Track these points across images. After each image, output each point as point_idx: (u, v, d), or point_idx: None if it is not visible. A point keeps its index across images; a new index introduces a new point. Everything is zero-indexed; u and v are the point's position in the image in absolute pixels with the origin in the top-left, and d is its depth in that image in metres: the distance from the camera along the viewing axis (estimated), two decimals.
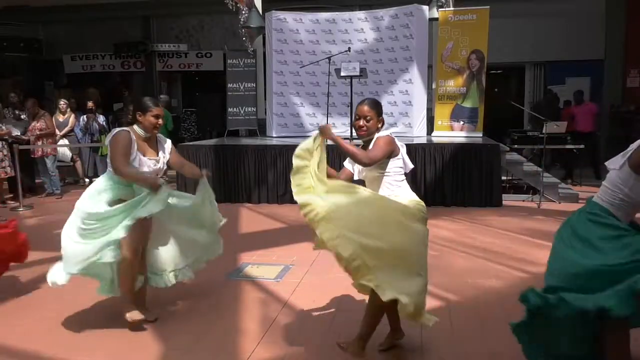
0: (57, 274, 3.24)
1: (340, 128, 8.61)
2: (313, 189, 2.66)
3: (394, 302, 2.79)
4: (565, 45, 10.99)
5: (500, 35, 9.89)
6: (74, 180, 9.77)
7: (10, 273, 4.52)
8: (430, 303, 3.64)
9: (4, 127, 7.65)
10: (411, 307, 2.55)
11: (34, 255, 5.00)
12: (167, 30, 13.31)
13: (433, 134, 8.62)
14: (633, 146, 2.29)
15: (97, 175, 9.22)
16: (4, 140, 7.59)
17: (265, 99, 9.52)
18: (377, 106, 2.88)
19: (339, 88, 8.71)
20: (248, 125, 9.51)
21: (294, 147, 2.71)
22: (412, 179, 6.67)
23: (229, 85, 9.44)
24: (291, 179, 2.75)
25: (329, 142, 2.86)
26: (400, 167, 2.85)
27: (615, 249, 2.27)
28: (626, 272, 2.17)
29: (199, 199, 3.51)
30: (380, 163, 2.78)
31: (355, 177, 3.00)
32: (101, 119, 9.43)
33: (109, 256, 3.11)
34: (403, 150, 2.88)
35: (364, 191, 2.70)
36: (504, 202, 7.12)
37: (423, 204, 2.83)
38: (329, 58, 8.06)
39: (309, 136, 2.84)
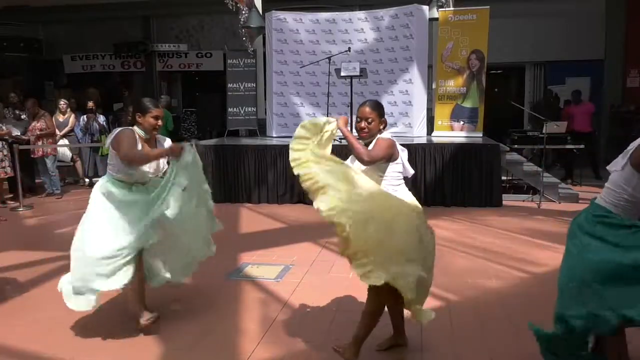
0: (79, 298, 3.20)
1: None
2: (309, 163, 2.65)
3: (397, 304, 2.80)
4: (565, 45, 10.99)
5: (500, 35, 9.89)
6: (74, 180, 9.77)
7: (10, 273, 4.53)
8: (430, 303, 3.63)
9: (4, 127, 7.65)
10: (409, 293, 2.58)
11: (34, 255, 5.03)
12: (167, 30, 13.31)
13: (433, 134, 8.62)
14: (633, 145, 2.29)
15: (97, 175, 9.24)
16: (4, 140, 7.59)
17: (265, 99, 9.52)
18: (378, 107, 2.87)
19: (339, 88, 8.71)
20: (248, 125, 9.51)
21: None
22: (412, 179, 6.65)
23: (229, 85, 9.44)
24: (290, 145, 2.72)
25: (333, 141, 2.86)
26: (399, 172, 2.85)
27: (635, 244, 2.24)
28: None
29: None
30: (379, 165, 2.77)
31: None
32: (101, 119, 9.43)
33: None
34: (404, 155, 2.87)
35: (359, 173, 2.72)
36: (504, 202, 7.12)
37: (419, 206, 2.83)
38: (329, 58, 8.06)
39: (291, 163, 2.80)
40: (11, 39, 13.12)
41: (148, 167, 3.29)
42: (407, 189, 2.89)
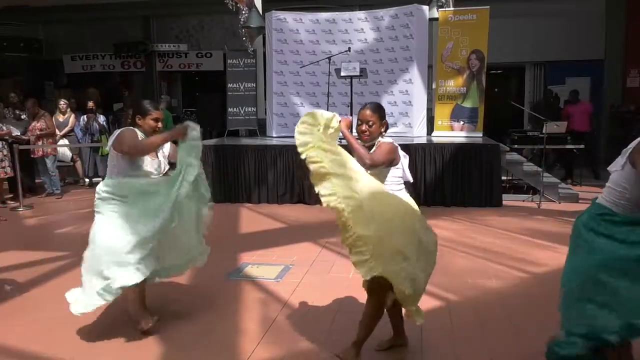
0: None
1: None
2: (318, 149, 2.64)
3: (395, 304, 2.80)
4: (565, 45, 10.99)
5: (500, 35, 9.89)
6: (74, 180, 9.77)
7: (10, 273, 4.53)
8: (430, 303, 3.65)
9: (4, 127, 7.66)
10: (408, 289, 2.58)
11: (34, 255, 5.03)
12: (167, 30, 13.31)
13: (433, 134, 8.62)
14: (632, 144, 2.29)
15: (97, 175, 9.25)
16: (4, 140, 7.59)
17: (265, 99, 9.52)
18: (379, 110, 2.87)
19: (339, 88, 8.71)
20: (248, 125, 9.51)
21: (294, 147, 2.69)
22: (413, 179, 6.67)
23: (229, 85, 9.44)
24: (296, 129, 2.70)
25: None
26: (399, 177, 2.85)
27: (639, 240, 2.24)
28: None
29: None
30: (380, 170, 2.77)
31: None
32: (101, 119, 9.43)
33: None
34: (405, 161, 2.87)
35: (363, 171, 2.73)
36: (504, 202, 7.12)
37: (418, 210, 2.83)
38: (329, 58, 8.06)
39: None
40: (11, 39, 13.12)
41: (150, 167, 3.29)
42: (407, 193, 2.88)
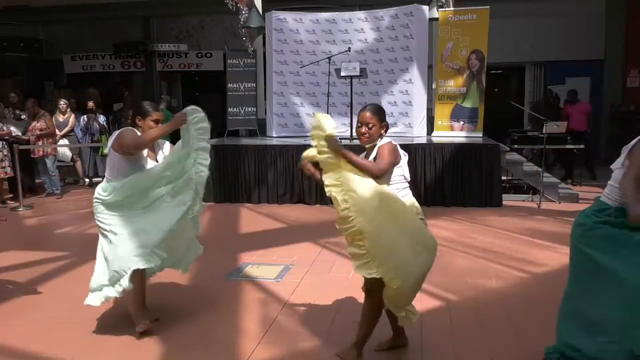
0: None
1: (340, 128, 8.58)
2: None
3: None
4: (565, 45, 10.99)
5: (500, 35, 9.89)
6: (74, 180, 9.77)
7: (10, 273, 4.53)
8: (430, 303, 3.65)
9: (4, 127, 7.66)
10: (392, 291, 2.60)
11: (34, 255, 5.03)
12: (167, 30, 13.31)
13: (433, 134, 8.62)
14: (633, 142, 2.30)
15: (97, 175, 9.25)
16: (4, 140, 7.59)
17: (265, 99, 9.51)
18: (379, 112, 2.86)
19: (339, 88, 8.71)
20: (248, 125, 9.50)
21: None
22: (413, 179, 6.64)
23: (229, 85, 9.44)
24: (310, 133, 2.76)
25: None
26: (402, 176, 2.84)
27: None
28: None
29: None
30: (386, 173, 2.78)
31: None
32: (101, 119, 9.43)
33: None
34: (405, 160, 2.87)
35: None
36: (504, 202, 7.12)
37: (420, 214, 2.83)
38: (329, 58, 8.06)
39: (308, 136, 2.83)
40: (11, 39, 13.11)
41: (149, 166, 3.29)
42: (410, 192, 2.88)
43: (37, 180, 8.82)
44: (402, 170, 2.84)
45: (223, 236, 5.84)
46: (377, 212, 2.59)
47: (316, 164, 2.81)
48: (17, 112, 8.75)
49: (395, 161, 2.78)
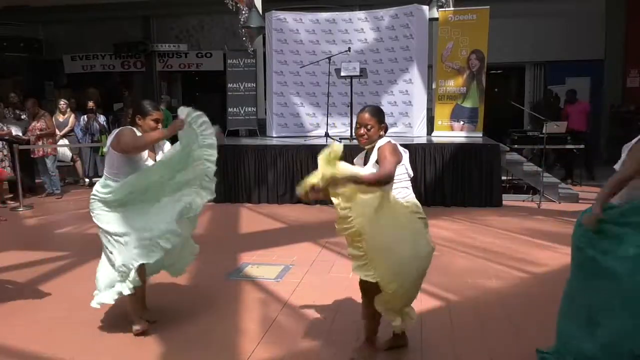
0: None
1: (340, 128, 8.62)
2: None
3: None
4: (565, 45, 10.99)
5: (500, 35, 9.89)
6: (74, 180, 9.78)
7: (10, 273, 4.53)
8: (430, 303, 3.65)
9: (4, 127, 7.65)
10: (388, 295, 2.61)
11: (34, 255, 5.03)
12: (167, 30, 13.31)
13: (433, 134, 8.62)
14: (634, 141, 2.31)
15: (97, 175, 9.24)
16: (4, 140, 7.59)
17: (265, 99, 9.52)
18: (378, 114, 2.85)
19: (339, 88, 8.71)
20: (248, 125, 9.51)
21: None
22: (413, 179, 6.65)
23: (229, 85, 9.44)
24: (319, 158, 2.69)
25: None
26: (405, 173, 2.84)
27: None
28: None
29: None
30: None
31: None
32: (101, 119, 9.43)
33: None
34: (406, 157, 2.86)
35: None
36: (504, 202, 7.12)
37: (424, 218, 2.82)
38: (329, 58, 8.06)
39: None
40: (11, 39, 13.12)
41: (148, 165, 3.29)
42: (413, 193, 2.87)
43: (37, 180, 8.82)
44: (404, 168, 2.84)
45: (223, 236, 5.84)
46: (377, 214, 2.58)
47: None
48: (17, 112, 8.76)
49: (398, 160, 2.78)
